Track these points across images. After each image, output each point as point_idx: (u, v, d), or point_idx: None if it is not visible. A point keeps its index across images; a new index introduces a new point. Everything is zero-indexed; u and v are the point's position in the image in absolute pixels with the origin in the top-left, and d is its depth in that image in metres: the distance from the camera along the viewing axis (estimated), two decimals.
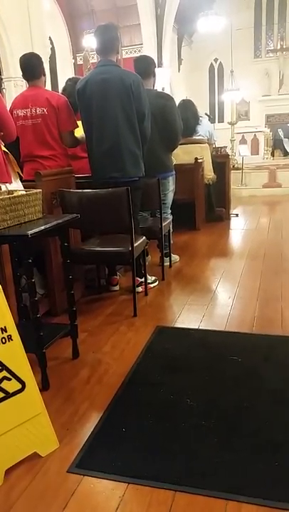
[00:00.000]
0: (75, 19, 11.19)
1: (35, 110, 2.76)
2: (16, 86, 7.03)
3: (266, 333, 2.28)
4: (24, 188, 2.31)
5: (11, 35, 7.10)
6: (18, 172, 2.51)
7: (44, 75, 2.88)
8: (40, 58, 2.88)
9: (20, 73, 2.91)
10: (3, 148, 2.39)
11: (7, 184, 2.23)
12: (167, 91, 9.04)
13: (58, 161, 2.84)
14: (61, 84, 8.87)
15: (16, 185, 2.37)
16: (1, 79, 3.13)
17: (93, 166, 2.84)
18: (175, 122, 3.33)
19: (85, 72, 8.96)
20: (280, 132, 12.52)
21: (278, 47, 14.07)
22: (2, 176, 2.24)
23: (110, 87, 2.65)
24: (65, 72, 10.65)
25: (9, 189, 2.07)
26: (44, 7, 7.48)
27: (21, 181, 2.50)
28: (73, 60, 11.71)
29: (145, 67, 3.26)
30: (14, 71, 7.12)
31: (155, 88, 3.48)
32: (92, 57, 9.37)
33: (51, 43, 9.18)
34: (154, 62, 3.43)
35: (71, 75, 10.45)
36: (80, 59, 10.94)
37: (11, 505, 1.26)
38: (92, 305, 2.81)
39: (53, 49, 9.90)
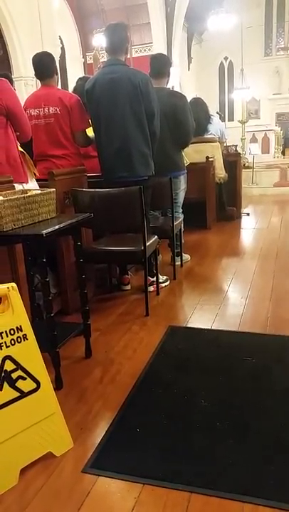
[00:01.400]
0: (85, 18, 11.22)
1: (48, 110, 2.76)
2: (27, 85, 7.07)
3: (280, 334, 2.25)
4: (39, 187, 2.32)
5: (21, 35, 7.14)
6: (34, 172, 2.52)
7: (57, 73, 2.88)
8: (53, 57, 2.88)
9: (30, 72, 2.94)
10: (20, 149, 2.40)
11: (24, 184, 2.24)
12: (177, 90, 9.02)
13: (70, 160, 2.85)
14: (71, 83, 8.90)
15: (32, 185, 2.37)
16: (12, 79, 3.13)
17: (103, 166, 2.84)
18: (187, 121, 3.31)
19: (95, 71, 8.97)
20: None
21: None
22: (19, 176, 2.25)
23: (118, 86, 2.65)
24: (75, 72, 10.68)
25: (25, 188, 2.08)
26: (54, 6, 7.50)
27: (36, 180, 2.51)
28: (83, 59, 11.74)
29: (161, 66, 3.26)
30: (25, 70, 7.16)
31: (168, 87, 3.48)
32: (102, 57, 9.38)
33: (61, 42, 9.20)
34: (170, 62, 3.42)
35: (81, 74, 10.47)
36: (90, 58, 10.96)
37: (27, 505, 1.26)
38: (103, 304, 2.81)
39: (62, 48, 9.93)
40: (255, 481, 1.30)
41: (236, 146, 8.05)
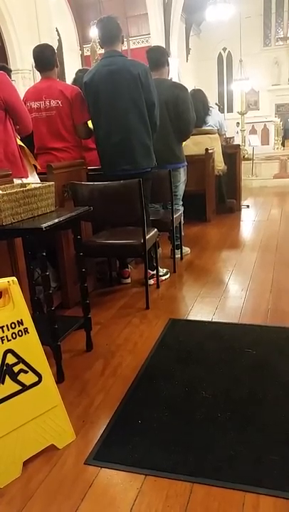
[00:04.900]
0: (82, 10, 11.10)
1: (49, 102, 2.75)
2: (24, 78, 7.02)
3: (280, 325, 2.26)
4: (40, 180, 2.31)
5: (18, 28, 7.07)
6: (34, 164, 2.50)
7: (57, 66, 2.86)
8: (53, 49, 2.87)
9: (27, 65, 2.92)
10: (19, 142, 2.38)
11: (23, 178, 2.23)
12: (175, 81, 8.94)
13: (71, 152, 2.84)
14: (68, 76, 8.84)
15: (33, 179, 2.36)
16: (11, 70, 3.10)
17: (103, 159, 2.82)
18: (188, 113, 3.30)
19: (92, 63, 8.89)
20: None
21: (288, 34, 13.81)
22: (18, 170, 2.23)
23: (118, 78, 2.63)
24: (72, 64, 10.59)
25: (24, 182, 2.07)
26: None
27: (37, 174, 2.50)
28: (80, 52, 11.64)
29: (158, 57, 3.25)
30: (21, 63, 7.10)
31: (169, 78, 3.46)
32: (100, 49, 9.29)
33: (58, 34, 9.13)
34: (166, 52, 3.42)
35: (78, 66, 10.40)
36: (87, 50, 10.87)
37: (30, 496, 1.27)
38: (104, 298, 2.81)
39: (59, 40, 9.86)
40: (257, 471, 1.31)
41: (233, 137, 7.96)
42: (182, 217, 3.60)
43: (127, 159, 2.71)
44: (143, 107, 2.68)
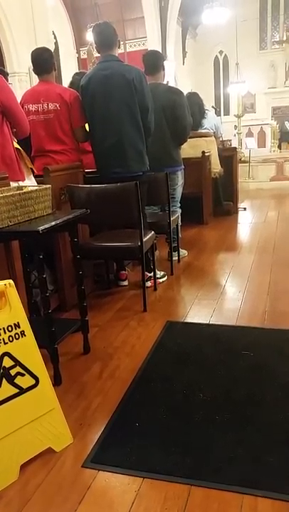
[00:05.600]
0: (78, 13, 11.11)
1: (48, 105, 2.76)
2: (21, 81, 7.01)
3: (278, 327, 2.26)
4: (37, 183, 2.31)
5: (15, 31, 7.07)
6: (31, 168, 2.50)
7: (55, 69, 2.87)
8: (52, 53, 2.89)
9: (24, 68, 2.92)
10: (16, 145, 2.38)
11: (20, 182, 2.23)
12: (172, 84, 8.97)
13: (69, 155, 2.84)
14: (65, 79, 8.86)
15: (30, 182, 2.36)
16: (7, 73, 3.11)
17: (98, 162, 2.86)
18: (184, 117, 3.33)
19: (89, 66, 8.92)
20: (287, 124, 12.39)
21: (284, 38, 13.89)
22: (14, 173, 2.23)
23: (113, 83, 2.66)
24: (69, 67, 10.61)
25: (21, 185, 2.07)
26: (47, 1, 7.44)
27: (34, 177, 2.50)
28: (77, 55, 11.65)
29: (154, 61, 3.28)
30: (18, 66, 7.10)
31: (165, 82, 3.48)
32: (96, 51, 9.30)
33: (54, 37, 9.13)
34: (162, 57, 3.47)
35: (75, 69, 10.41)
36: (84, 53, 10.89)
37: (28, 500, 1.26)
38: (101, 300, 2.81)
39: (56, 43, 9.86)
40: (255, 473, 1.30)
41: (230, 140, 7.96)
42: (180, 220, 3.61)
43: (119, 162, 2.74)
44: (136, 112, 2.71)
